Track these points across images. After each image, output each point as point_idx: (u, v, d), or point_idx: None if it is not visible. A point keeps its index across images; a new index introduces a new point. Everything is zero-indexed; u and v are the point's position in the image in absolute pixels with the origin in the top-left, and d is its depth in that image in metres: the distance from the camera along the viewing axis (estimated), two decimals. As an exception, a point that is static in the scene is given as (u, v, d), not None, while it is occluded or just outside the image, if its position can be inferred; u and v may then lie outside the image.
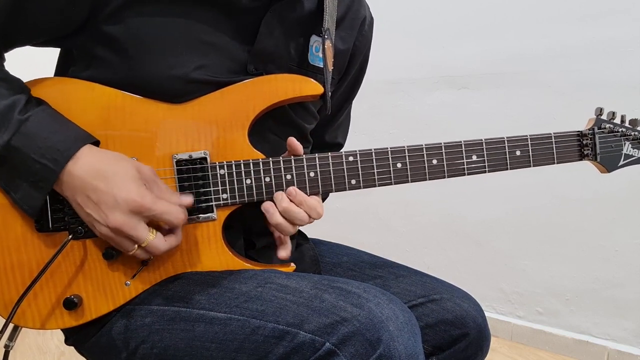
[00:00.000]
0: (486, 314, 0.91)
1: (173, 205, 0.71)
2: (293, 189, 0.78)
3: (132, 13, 0.73)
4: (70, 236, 0.73)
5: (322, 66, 0.85)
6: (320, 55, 0.86)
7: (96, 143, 0.73)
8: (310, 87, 0.79)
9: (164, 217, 0.69)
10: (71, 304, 0.74)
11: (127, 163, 0.70)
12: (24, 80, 0.74)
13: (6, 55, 0.77)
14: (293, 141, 0.78)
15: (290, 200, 0.77)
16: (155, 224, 0.72)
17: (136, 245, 0.69)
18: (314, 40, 0.86)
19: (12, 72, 0.75)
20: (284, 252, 0.82)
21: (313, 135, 0.94)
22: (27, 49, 0.78)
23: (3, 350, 0.75)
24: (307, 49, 0.86)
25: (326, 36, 0.82)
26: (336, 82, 0.95)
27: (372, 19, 0.98)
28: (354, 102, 1.06)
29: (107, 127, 0.74)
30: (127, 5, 0.72)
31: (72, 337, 0.82)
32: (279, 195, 0.77)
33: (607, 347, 1.85)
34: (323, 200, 1.02)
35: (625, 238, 1.78)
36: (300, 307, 0.68)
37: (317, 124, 0.94)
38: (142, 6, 0.73)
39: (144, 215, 0.68)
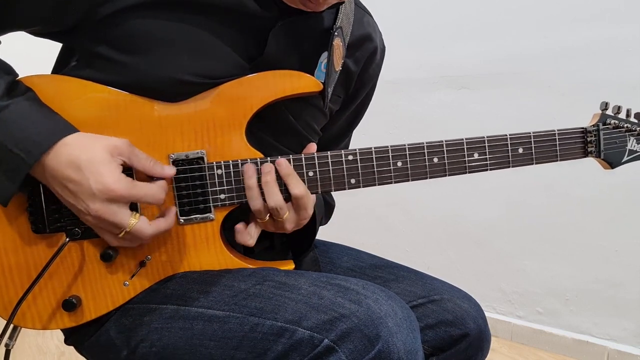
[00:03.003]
0: (486, 314, 0.91)
1: (151, 186, 0.70)
2: (284, 161, 0.76)
3: (138, 15, 0.72)
4: (67, 239, 0.73)
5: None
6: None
7: None
8: (309, 83, 0.79)
9: (142, 200, 0.70)
10: (70, 305, 0.74)
11: (99, 147, 0.68)
12: (21, 76, 0.73)
13: (6, 51, 0.76)
14: (312, 146, 0.80)
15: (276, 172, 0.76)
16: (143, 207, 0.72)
17: (122, 230, 0.68)
18: (324, 57, 0.84)
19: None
20: (243, 236, 0.78)
21: None
22: (26, 46, 0.77)
23: (4, 349, 0.74)
24: (315, 65, 0.84)
25: (337, 34, 0.81)
26: (341, 101, 0.94)
27: (384, 47, 0.98)
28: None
29: (102, 126, 0.73)
30: (130, 8, 0.72)
31: (72, 336, 0.82)
32: (267, 167, 0.76)
33: (607, 347, 1.85)
34: (332, 208, 1.01)
35: (625, 238, 1.78)
36: (298, 304, 0.68)
37: (321, 145, 0.94)
38: (146, 10, 0.72)
39: (122, 201, 0.68)
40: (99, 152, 0.67)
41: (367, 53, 0.93)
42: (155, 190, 0.70)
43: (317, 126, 0.90)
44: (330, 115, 0.92)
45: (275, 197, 0.75)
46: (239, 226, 0.79)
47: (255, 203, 0.76)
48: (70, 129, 0.69)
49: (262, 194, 0.76)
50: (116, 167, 0.68)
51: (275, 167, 0.76)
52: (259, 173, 0.76)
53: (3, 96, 0.67)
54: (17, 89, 0.69)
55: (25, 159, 0.66)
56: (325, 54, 0.84)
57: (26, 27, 0.75)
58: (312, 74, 0.83)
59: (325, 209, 0.99)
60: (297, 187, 0.76)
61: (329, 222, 1.04)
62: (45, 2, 0.71)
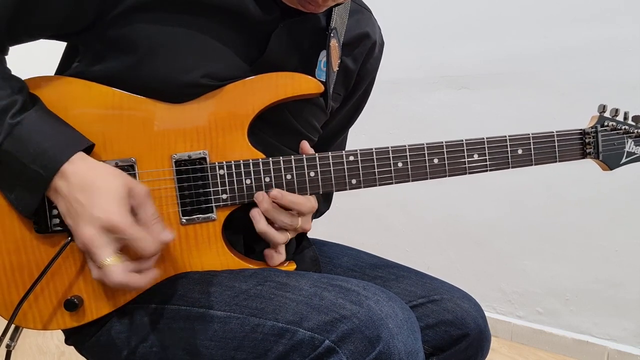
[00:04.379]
0: (486, 314, 0.91)
1: (149, 235, 0.68)
2: (277, 192, 0.77)
3: (142, 17, 0.73)
4: (69, 238, 0.73)
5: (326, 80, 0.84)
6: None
7: (91, 146, 0.72)
8: (310, 85, 0.79)
9: (135, 243, 0.66)
10: (72, 305, 0.74)
11: (118, 181, 0.68)
12: (24, 77, 0.73)
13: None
14: (305, 145, 0.81)
15: (275, 203, 0.77)
16: (129, 251, 0.68)
17: (98, 263, 0.66)
18: (323, 56, 0.85)
19: (12, 67, 0.74)
20: (276, 259, 0.81)
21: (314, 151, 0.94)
22: (29, 45, 0.78)
23: (5, 350, 0.74)
24: (315, 64, 0.85)
25: (332, 35, 0.81)
26: (341, 98, 0.95)
27: (383, 42, 0.98)
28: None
29: (105, 127, 0.74)
30: (138, 9, 0.72)
31: (72, 337, 0.82)
32: (260, 196, 0.77)
33: (607, 347, 1.85)
34: (330, 200, 1.02)
35: (625, 238, 1.78)
36: (299, 304, 0.68)
37: (319, 141, 0.95)
38: (153, 11, 0.73)
39: (115, 237, 0.66)
40: (117, 187, 0.67)
41: (365, 50, 0.93)
42: (151, 242, 0.67)
43: (318, 124, 0.90)
44: (330, 113, 0.93)
45: (279, 220, 0.77)
46: (268, 252, 0.81)
47: (277, 240, 0.78)
48: (84, 141, 0.70)
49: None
50: (126, 204, 0.67)
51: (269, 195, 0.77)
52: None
53: (14, 114, 0.67)
54: (27, 103, 0.69)
55: (42, 174, 0.66)
56: (323, 53, 0.85)
57: (38, 37, 0.75)
58: (313, 73, 0.84)
59: (324, 198, 1.00)
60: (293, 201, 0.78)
61: (328, 223, 1.04)
62: (59, 8, 0.71)
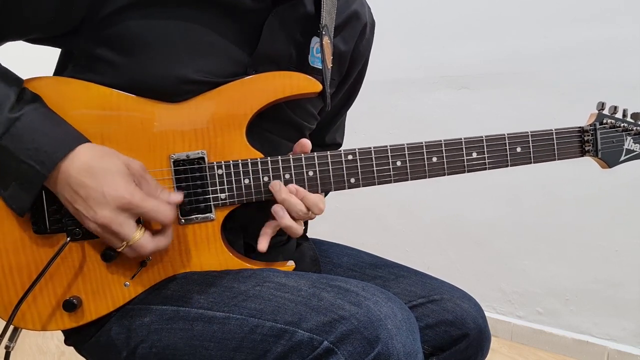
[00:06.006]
0: (486, 314, 0.91)
1: (162, 203, 0.70)
2: (293, 187, 0.78)
3: (134, 14, 0.72)
4: (68, 239, 0.73)
5: (321, 67, 0.85)
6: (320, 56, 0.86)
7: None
8: (308, 84, 0.79)
9: (152, 214, 0.69)
10: (71, 306, 0.74)
11: (116, 159, 0.69)
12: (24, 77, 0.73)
13: (6, 52, 0.76)
14: (304, 141, 0.80)
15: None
16: (146, 222, 0.72)
17: (124, 242, 0.69)
18: (315, 42, 0.86)
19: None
20: (263, 244, 0.80)
21: (312, 136, 0.94)
22: (28, 48, 0.77)
23: (4, 351, 0.74)
24: (308, 50, 0.85)
25: (324, 32, 0.81)
26: (336, 83, 0.95)
27: (373, 22, 0.98)
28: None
29: (103, 128, 0.74)
30: (129, 6, 0.72)
31: (72, 337, 0.82)
32: (276, 185, 0.77)
33: (607, 347, 1.85)
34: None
35: (625, 238, 1.78)
36: (298, 305, 0.68)
37: (317, 126, 0.94)
38: (145, 7, 0.73)
39: (132, 212, 0.68)
40: (117, 164, 0.68)
41: (356, 31, 0.93)
42: (166, 209, 0.70)
43: (315, 110, 0.91)
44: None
45: (296, 209, 0.77)
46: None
47: (298, 233, 0.79)
48: (82, 139, 0.70)
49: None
50: (131, 180, 0.69)
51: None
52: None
53: (13, 108, 0.67)
54: (24, 98, 0.69)
55: (39, 170, 0.66)
56: (315, 39, 0.85)
57: (24, 36, 0.75)
58: (307, 60, 0.85)
59: None
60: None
61: (328, 223, 1.04)
62: (47, 7, 0.71)
